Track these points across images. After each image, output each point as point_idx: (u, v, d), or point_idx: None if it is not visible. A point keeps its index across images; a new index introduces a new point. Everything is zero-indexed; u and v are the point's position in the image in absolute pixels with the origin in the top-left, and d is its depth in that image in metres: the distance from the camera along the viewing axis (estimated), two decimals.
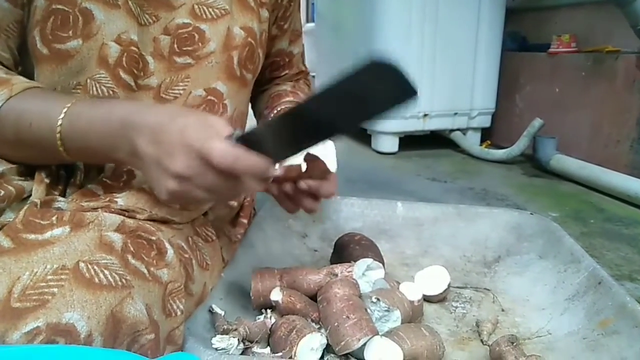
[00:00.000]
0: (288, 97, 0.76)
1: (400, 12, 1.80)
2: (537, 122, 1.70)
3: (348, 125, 0.38)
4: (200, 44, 0.59)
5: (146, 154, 0.45)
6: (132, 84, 0.56)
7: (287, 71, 0.82)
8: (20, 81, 0.51)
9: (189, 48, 0.59)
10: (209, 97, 0.61)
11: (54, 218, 0.48)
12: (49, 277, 0.40)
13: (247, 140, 0.42)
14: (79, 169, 0.56)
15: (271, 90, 0.80)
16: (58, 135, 0.48)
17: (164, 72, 0.58)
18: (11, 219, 0.51)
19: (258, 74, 0.70)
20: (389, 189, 1.42)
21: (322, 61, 2.41)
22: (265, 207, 0.89)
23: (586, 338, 0.59)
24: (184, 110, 0.49)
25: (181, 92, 0.59)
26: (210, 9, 0.60)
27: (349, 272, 0.63)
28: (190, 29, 0.59)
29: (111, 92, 0.55)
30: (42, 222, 0.47)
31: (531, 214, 0.88)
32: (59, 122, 0.48)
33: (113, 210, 0.52)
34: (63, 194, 0.55)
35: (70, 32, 0.53)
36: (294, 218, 0.92)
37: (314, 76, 2.18)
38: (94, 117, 0.47)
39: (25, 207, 0.49)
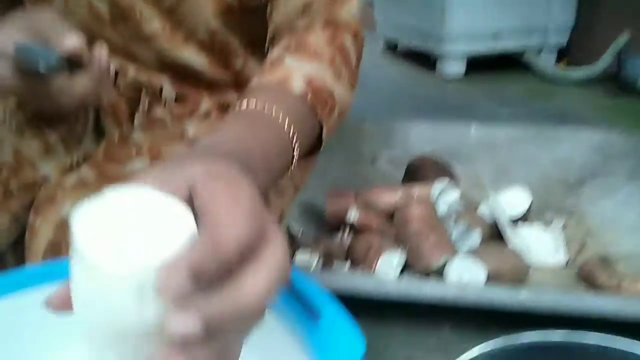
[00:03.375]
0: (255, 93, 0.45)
1: None
2: (623, 38, 1.53)
3: None
4: None
5: None
6: (138, 34, 0.51)
7: None
8: None
9: None
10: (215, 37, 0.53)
11: (133, 150, 0.49)
12: None
13: None
14: (145, 99, 0.56)
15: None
16: None
17: (160, 16, 0.51)
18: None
19: None
20: (457, 115, 1.36)
21: None
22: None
23: None
24: None
25: None
26: None
27: (426, 192, 0.61)
28: None
29: None
30: (122, 154, 0.48)
31: (620, 133, 0.81)
32: None
33: (187, 140, 0.52)
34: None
35: None
36: (362, 143, 0.90)
37: None
38: None
39: (103, 141, 0.51)
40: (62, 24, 0.39)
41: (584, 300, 0.44)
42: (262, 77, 0.41)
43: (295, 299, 0.29)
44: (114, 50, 0.49)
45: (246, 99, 0.38)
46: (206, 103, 0.56)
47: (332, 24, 0.46)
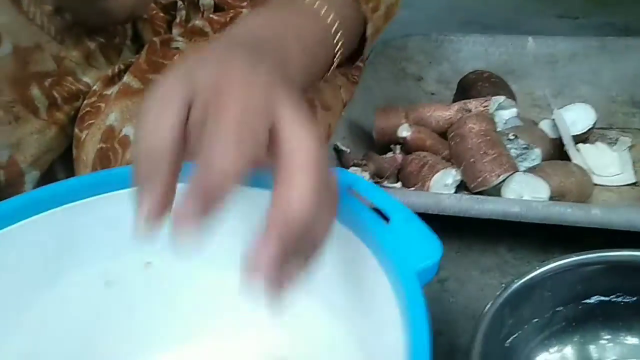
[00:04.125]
0: None
1: None
2: None
3: None
4: None
5: None
6: None
7: None
8: None
9: None
10: None
11: (175, 58, 0.47)
12: None
13: None
14: (182, 8, 0.54)
15: None
16: None
17: None
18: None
19: None
20: (509, 30, 1.25)
21: None
22: (377, 49, 0.83)
23: None
24: None
25: None
26: None
27: (484, 106, 0.57)
28: None
29: None
30: (164, 61, 0.46)
31: None
32: None
33: None
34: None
35: None
36: (407, 60, 0.84)
37: None
38: None
39: (145, 47, 0.48)
40: None
41: None
42: None
43: (360, 204, 0.27)
44: None
45: None
46: (247, 11, 0.53)
47: None
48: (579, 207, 0.42)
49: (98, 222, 0.33)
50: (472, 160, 0.51)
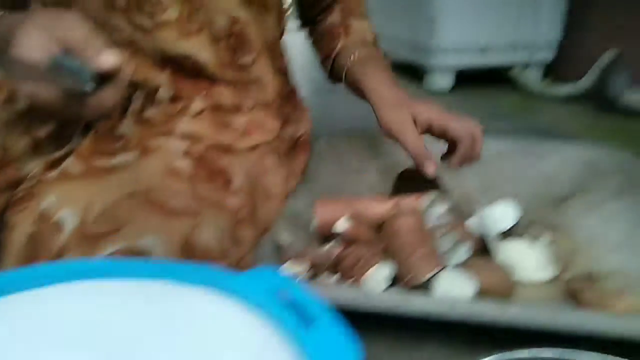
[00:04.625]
0: (339, 39, 0.72)
1: None
2: (609, 54, 1.56)
3: None
4: None
5: None
6: (149, 24, 0.51)
7: None
8: None
9: None
10: (233, 27, 0.56)
11: (121, 143, 0.48)
12: (122, 202, 0.40)
13: None
14: (139, 98, 0.56)
15: (321, 25, 0.75)
16: None
17: (179, 3, 0.53)
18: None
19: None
20: None
21: None
22: (320, 142, 0.88)
23: None
24: None
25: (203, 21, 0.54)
26: None
27: (415, 204, 0.61)
28: None
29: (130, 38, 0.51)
30: (109, 147, 0.47)
31: (605, 149, 0.82)
32: None
33: (177, 135, 0.51)
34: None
35: None
36: (350, 153, 0.89)
37: None
38: None
39: (90, 133, 0.49)
40: (97, 35, 0.36)
41: (578, 317, 0.43)
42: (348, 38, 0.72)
43: (288, 305, 0.28)
44: (117, 42, 0.48)
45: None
46: (199, 102, 0.55)
47: None
48: (498, 307, 0.45)
49: (16, 324, 0.31)
50: (403, 256, 0.53)
